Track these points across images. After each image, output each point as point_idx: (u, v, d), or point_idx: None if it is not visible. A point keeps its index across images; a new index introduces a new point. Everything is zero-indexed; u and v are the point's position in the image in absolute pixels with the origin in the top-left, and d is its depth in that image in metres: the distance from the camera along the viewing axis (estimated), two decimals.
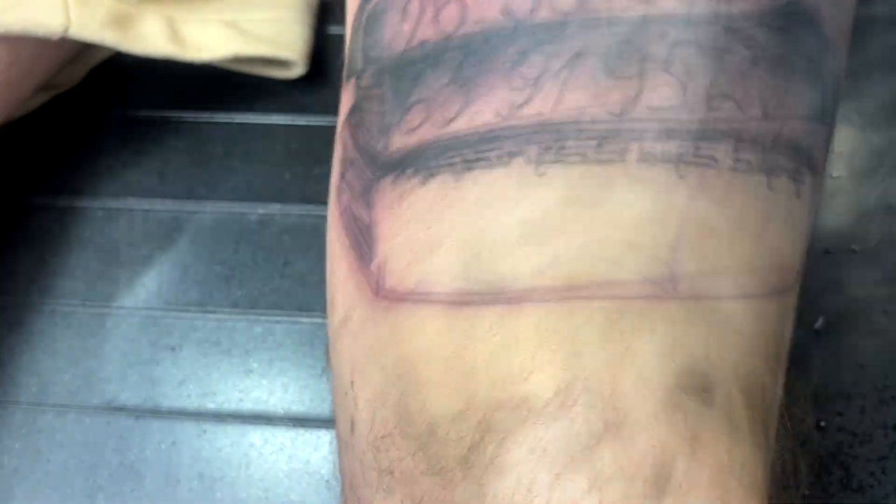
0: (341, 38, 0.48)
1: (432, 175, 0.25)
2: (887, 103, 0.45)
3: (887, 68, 0.45)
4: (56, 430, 0.43)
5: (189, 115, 0.48)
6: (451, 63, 0.25)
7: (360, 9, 0.29)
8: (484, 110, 0.25)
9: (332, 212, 0.29)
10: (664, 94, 0.24)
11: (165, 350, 0.44)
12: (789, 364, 0.28)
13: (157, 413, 0.43)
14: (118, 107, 0.48)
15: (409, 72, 0.26)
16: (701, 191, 0.24)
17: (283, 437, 0.42)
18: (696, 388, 0.23)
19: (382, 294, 0.26)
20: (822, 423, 0.41)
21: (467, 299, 0.25)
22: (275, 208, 0.46)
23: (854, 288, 0.43)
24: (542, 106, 0.24)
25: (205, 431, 0.42)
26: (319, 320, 0.43)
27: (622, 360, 0.23)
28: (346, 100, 0.29)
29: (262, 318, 0.44)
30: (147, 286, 0.45)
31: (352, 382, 0.27)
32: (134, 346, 0.44)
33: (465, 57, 0.25)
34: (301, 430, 0.42)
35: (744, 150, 0.24)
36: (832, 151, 0.30)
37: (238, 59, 0.45)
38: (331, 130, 0.42)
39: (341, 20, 0.48)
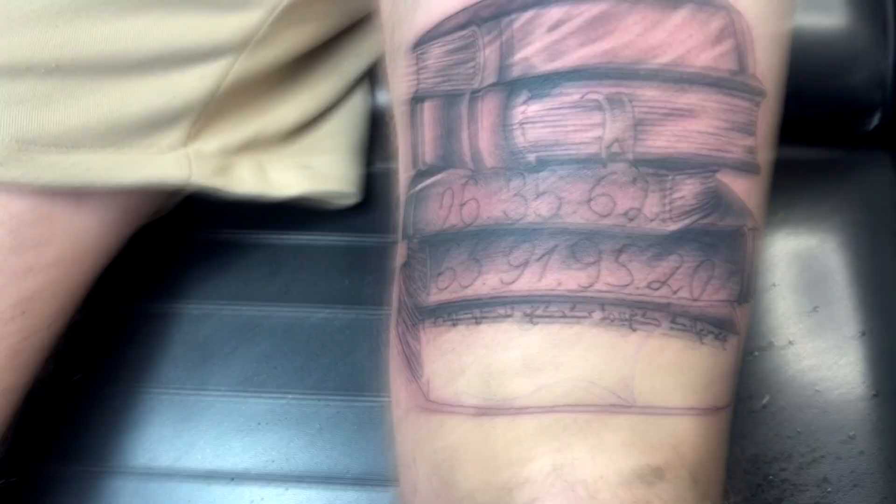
0: (384, 173, 0.58)
1: (456, 323, 0.35)
2: None
3: None
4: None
5: (263, 235, 0.58)
6: (469, 245, 0.35)
7: (410, 186, 0.38)
8: (489, 281, 0.34)
9: (393, 336, 0.39)
10: (618, 276, 0.33)
11: (251, 426, 0.53)
12: (738, 432, 0.36)
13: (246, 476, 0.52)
14: (205, 229, 0.57)
15: (441, 247, 0.36)
16: (648, 340, 0.33)
17: (345, 495, 0.52)
18: (651, 470, 0.31)
19: (430, 401, 0.36)
20: (770, 477, 0.50)
21: (486, 409, 0.34)
22: (337, 308, 0.55)
23: (791, 372, 0.52)
24: (529, 282, 0.33)
25: (286, 491, 0.52)
26: (375, 400, 0.53)
27: (597, 450, 0.31)
28: (401, 254, 0.38)
29: (329, 398, 0.53)
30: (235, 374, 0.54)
31: (414, 458, 0.37)
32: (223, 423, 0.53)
33: (477, 242, 0.34)
34: (360, 490, 0.52)
35: (679, 318, 0.33)
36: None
37: (311, 194, 0.54)
38: (377, 247, 0.53)
39: (382, 159, 0.58)
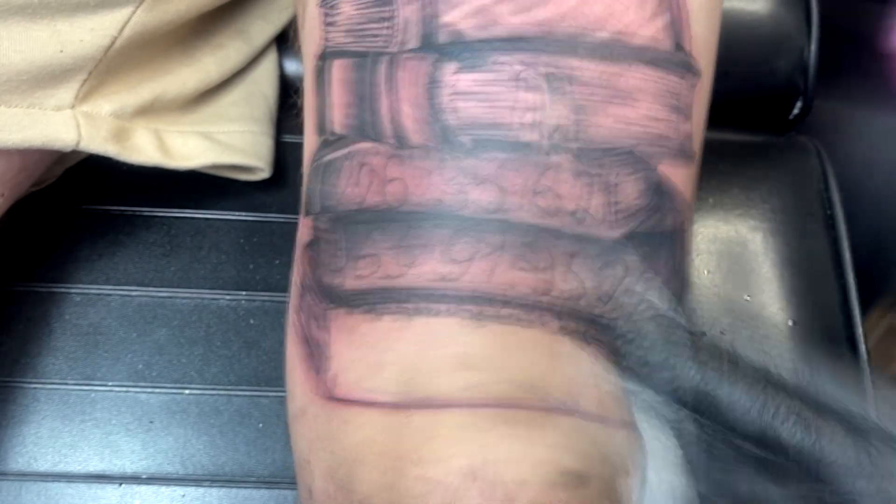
0: (295, 147, 0.55)
1: (381, 315, 0.32)
2: None
3: None
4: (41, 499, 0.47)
5: (159, 211, 0.53)
6: (396, 232, 0.32)
7: (317, 154, 0.35)
8: (424, 273, 0.32)
9: (293, 324, 0.36)
10: (571, 285, 0.31)
11: (144, 424, 0.48)
12: None
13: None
14: (94, 202, 0.53)
15: (360, 229, 0.33)
16: (599, 356, 0.32)
17: (250, 500, 0.48)
18: (576, 476, 0.30)
19: (334, 398, 0.33)
20: None
21: (402, 405, 0.31)
22: (242, 294, 0.51)
23: None
24: (476, 279, 0.31)
25: (184, 496, 0.47)
26: (284, 394, 0.49)
27: (522, 452, 0.30)
28: (305, 232, 0.36)
29: (233, 393, 0.49)
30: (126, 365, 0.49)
31: (308, 460, 0.34)
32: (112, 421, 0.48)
33: (407, 229, 0.32)
34: (265, 491, 0.48)
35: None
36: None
37: (214, 166, 0.50)
38: (288, 226, 0.50)
39: (293, 131, 0.55)
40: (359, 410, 0.32)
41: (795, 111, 0.63)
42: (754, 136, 0.62)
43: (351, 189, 0.34)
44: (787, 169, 0.59)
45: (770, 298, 0.53)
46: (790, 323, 0.53)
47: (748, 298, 0.53)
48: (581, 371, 0.32)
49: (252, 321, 0.51)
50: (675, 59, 0.33)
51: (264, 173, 0.53)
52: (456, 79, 0.32)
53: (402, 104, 0.32)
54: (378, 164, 0.33)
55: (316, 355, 0.34)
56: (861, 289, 0.55)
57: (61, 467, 0.48)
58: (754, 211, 0.56)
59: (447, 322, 0.31)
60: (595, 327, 0.32)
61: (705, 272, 0.53)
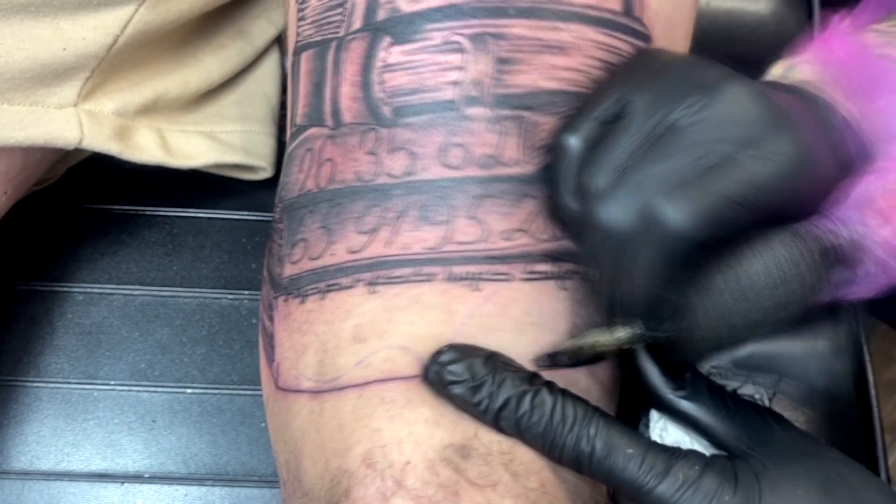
0: None
1: (305, 297, 0.33)
2: None
3: None
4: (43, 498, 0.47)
5: (162, 210, 0.53)
6: (321, 212, 0.33)
7: (286, 147, 0.36)
8: (338, 250, 0.32)
9: (260, 317, 0.36)
10: (468, 233, 0.31)
11: (146, 423, 0.48)
12: None
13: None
14: (96, 201, 0.52)
15: (297, 214, 0.34)
16: (493, 297, 0.31)
17: (251, 498, 0.48)
18: (455, 449, 0.30)
19: (279, 387, 0.34)
20: None
21: (320, 390, 0.32)
22: (244, 293, 0.51)
23: None
24: (378, 247, 0.32)
25: (186, 495, 0.47)
26: None
27: (403, 432, 0.30)
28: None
29: (235, 392, 0.49)
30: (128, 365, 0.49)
31: (275, 450, 0.35)
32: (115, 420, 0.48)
33: (330, 208, 0.33)
34: (267, 490, 0.48)
35: (538, 265, 0.32)
36: None
37: (217, 166, 0.50)
38: None
39: None
40: (293, 398, 0.33)
41: None
42: None
43: (296, 176, 0.34)
44: None
45: None
46: None
47: None
48: (454, 322, 0.31)
49: (254, 320, 0.50)
50: (623, 21, 0.33)
51: (266, 172, 0.53)
52: (388, 53, 0.32)
53: (343, 85, 0.33)
54: (318, 148, 0.34)
55: (268, 346, 0.34)
56: None
57: (63, 466, 0.47)
58: None
59: (347, 296, 0.32)
60: (494, 264, 0.31)
61: None
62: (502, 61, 0.31)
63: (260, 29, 0.55)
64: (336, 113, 0.33)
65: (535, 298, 0.32)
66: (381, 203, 0.32)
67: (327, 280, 0.32)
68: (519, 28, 0.32)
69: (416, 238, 0.31)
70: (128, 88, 0.45)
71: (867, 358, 0.53)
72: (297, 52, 0.36)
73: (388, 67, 0.32)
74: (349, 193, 0.32)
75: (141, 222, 0.53)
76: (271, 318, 0.34)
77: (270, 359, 0.34)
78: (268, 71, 0.56)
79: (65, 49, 0.41)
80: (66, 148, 0.43)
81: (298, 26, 0.36)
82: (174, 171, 0.49)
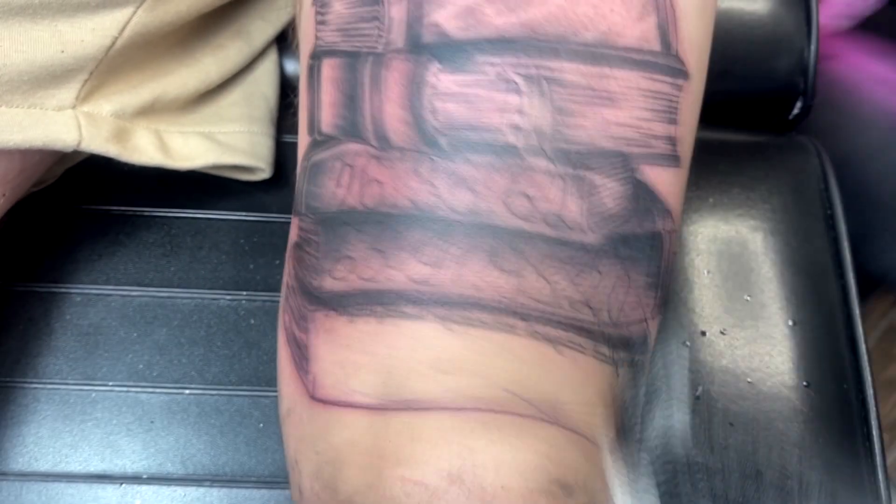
0: (295, 145, 0.54)
1: (357, 316, 0.32)
2: None
3: None
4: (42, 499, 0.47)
5: (160, 211, 0.53)
6: (371, 233, 0.32)
7: (307, 155, 0.36)
8: (396, 276, 0.32)
9: (281, 324, 0.36)
10: (541, 291, 0.31)
11: (144, 424, 0.48)
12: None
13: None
14: (94, 202, 0.52)
15: (339, 230, 0.33)
16: (575, 364, 0.32)
17: (250, 500, 0.48)
18: (561, 485, 0.30)
19: (316, 399, 0.33)
20: (705, 468, 0.49)
21: (381, 407, 0.32)
22: (242, 294, 0.51)
23: (724, 362, 0.51)
24: (445, 282, 0.31)
25: (184, 496, 0.47)
26: None
27: (504, 458, 0.30)
28: (294, 232, 0.36)
29: (233, 393, 0.49)
30: (127, 366, 0.49)
31: (297, 460, 0.35)
32: (113, 421, 0.48)
33: (381, 231, 0.32)
34: (265, 491, 0.48)
35: (600, 348, 0.32)
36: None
37: (215, 167, 0.50)
38: (288, 226, 0.49)
39: (293, 131, 0.55)
40: (340, 411, 0.32)
41: (795, 111, 0.63)
42: (754, 136, 0.61)
43: (334, 190, 0.34)
44: (787, 169, 0.59)
45: (770, 298, 0.53)
46: (790, 323, 0.53)
47: (748, 298, 0.53)
48: (555, 380, 0.32)
49: (252, 321, 0.51)
50: (663, 61, 0.32)
51: (265, 173, 0.53)
52: (438, 79, 0.31)
53: (386, 104, 0.32)
54: (361, 166, 0.33)
55: (297, 359, 0.34)
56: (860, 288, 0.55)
57: (62, 467, 0.47)
58: (754, 211, 0.56)
59: (416, 326, 0.31)
60: (569, 332, 0.32)
61: (705, 272, 0.53)
62: (560, 111, 0.31)
63: (259, 29, 0.55)
64: (380, 133, 0.32)
65: (601, 379, 0.32)
66: (443, 237, 0.31)
67: (385, 304, 0.32)
68: (570, 74, 0.31)
69: (488, 283, 0.31)
70: (126, 90, 0.45)
71: (866, 357, 0.53)
72: (318, 56, 0.35)
73: (440, 96, 0.31)
74: (405, 220, 0.32)
75: (139, 223, 0.52)
76: (305, 330, 0.34)
77: (303, 370, 0.34)
78: (266, 71, 0.56)
79: (63, 51, 0.41)
80: (65, 150, 0.43)
81: (318, 30, 0.35)
82: (172, 171, 0.49)
